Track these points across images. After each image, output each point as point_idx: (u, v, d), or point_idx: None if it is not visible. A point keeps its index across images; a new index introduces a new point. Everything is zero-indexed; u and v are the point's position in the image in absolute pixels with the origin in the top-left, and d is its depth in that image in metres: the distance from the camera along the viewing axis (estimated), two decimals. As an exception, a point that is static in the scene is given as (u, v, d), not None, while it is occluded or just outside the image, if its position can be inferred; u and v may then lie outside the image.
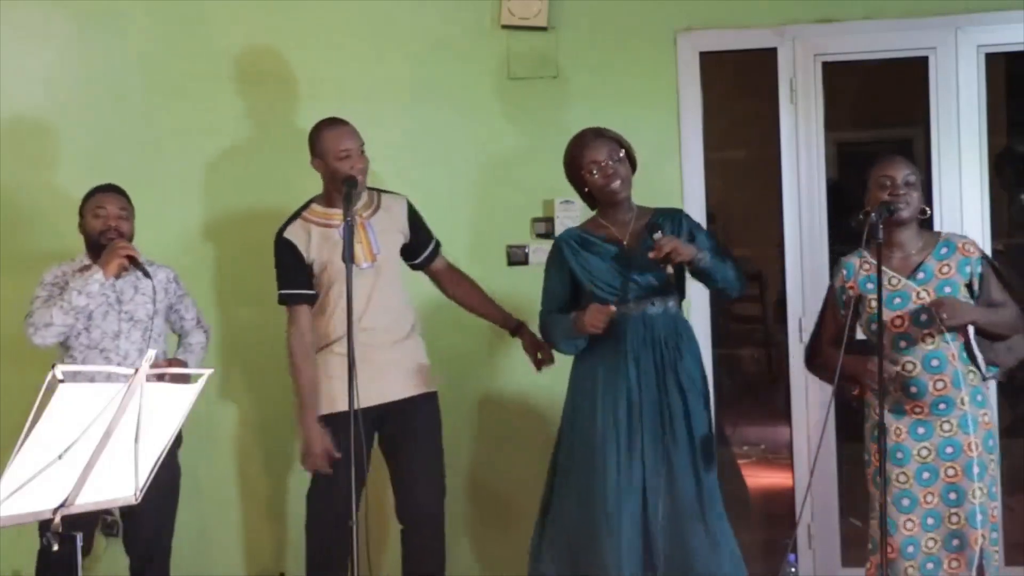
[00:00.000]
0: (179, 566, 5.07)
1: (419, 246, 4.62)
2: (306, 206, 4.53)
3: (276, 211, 5.16)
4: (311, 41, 5.24)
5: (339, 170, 4.36)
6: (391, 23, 5.21)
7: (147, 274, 4.43)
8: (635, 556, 4.12)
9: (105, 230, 4.45)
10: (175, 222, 5.27)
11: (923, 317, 3.92)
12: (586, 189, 4.30)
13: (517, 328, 4.65)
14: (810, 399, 5.05)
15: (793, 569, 4.47)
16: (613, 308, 4.13)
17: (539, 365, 4.59)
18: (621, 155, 4.24)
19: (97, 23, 5.33)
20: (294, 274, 4.47)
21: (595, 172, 4.22)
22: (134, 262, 4.38)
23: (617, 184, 4.22)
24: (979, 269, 3.97)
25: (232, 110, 5.26)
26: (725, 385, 5.71)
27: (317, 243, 4.45)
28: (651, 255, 4.06)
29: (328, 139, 4.41)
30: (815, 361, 4.24)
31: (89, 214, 4.50)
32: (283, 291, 4.50)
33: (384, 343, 4.42)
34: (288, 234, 4.48)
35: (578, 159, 4.26)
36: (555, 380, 4.54)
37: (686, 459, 4.14)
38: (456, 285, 4.73)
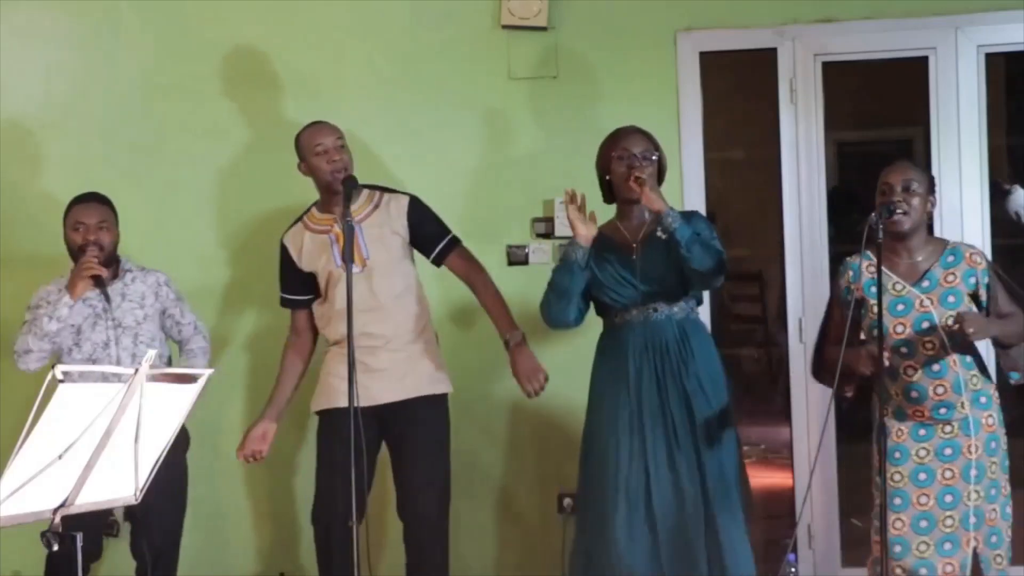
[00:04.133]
0: (180, 566, 5.07)
1: (427, 243, 4.56)
2: (308, 210, 4.57)
3: (277, 212, 5.17)
4: (311, 41, 5.24)
5: (318, 167, 4.43)
6: (391, 23, 5.21)
7: (107, 297, 4.40)
8: (638, 559, 4.12)
9: (85, 244, 4.40)
10: (175, 223, 5.28)
11: (924, 324, 3.91)
12: (608, 178, 4.30)
13: (511, 343, 4.44)
14: (810, 399, 5.05)
15: (793, 569, 4.48)
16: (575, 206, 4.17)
17: (528, 392, 4.41)
18: (653, 158, 4.25)
19: (97, 23, 5.33)
20: (288, 279, 4.58)
21: (624, 160, 4.23)
22: (99, 282, 4.35)
23: (644, 174, 4.17)
24: (986, 279, 3.94)
25: (231, 111, 5.26)
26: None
27: (309, 250, 4.50)
28: (631, 179, 4.13)
29: (304, 138, 4.48)
30: (822, 366, 4.16)
31: (69, 228, 4.45)
32: (281, 294, 4.63)
33: (381, 346, 4.40)
34: (286, 239, 4.56)
35: (613, 145, 4.28)
36: (577, 384, 4.52)
37: (692, 464, 4.12)
38: (473, 279, 4.59)
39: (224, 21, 5.27)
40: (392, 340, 4.43)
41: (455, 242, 4.59)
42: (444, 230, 4.58)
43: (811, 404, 5.05)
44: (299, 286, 4.55)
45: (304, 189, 4.67)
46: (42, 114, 5.33)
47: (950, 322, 3.88)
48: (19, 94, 5.30)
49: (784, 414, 5.29)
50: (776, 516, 5.67)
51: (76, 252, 4.42)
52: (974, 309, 3.93)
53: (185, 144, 5.28)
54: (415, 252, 4.59)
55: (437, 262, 4.61)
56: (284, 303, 4.61)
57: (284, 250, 4.55)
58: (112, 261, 4.50)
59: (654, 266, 4.19)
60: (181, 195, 5.29)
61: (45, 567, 4.47)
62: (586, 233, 4.19)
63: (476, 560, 5.14)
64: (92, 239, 4.40)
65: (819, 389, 4.97)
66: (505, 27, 5.09)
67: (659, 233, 4.16)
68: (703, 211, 5.06)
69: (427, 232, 4.55)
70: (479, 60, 5.16)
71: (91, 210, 4.45)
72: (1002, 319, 3.94)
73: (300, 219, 4.56)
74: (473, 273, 4.61)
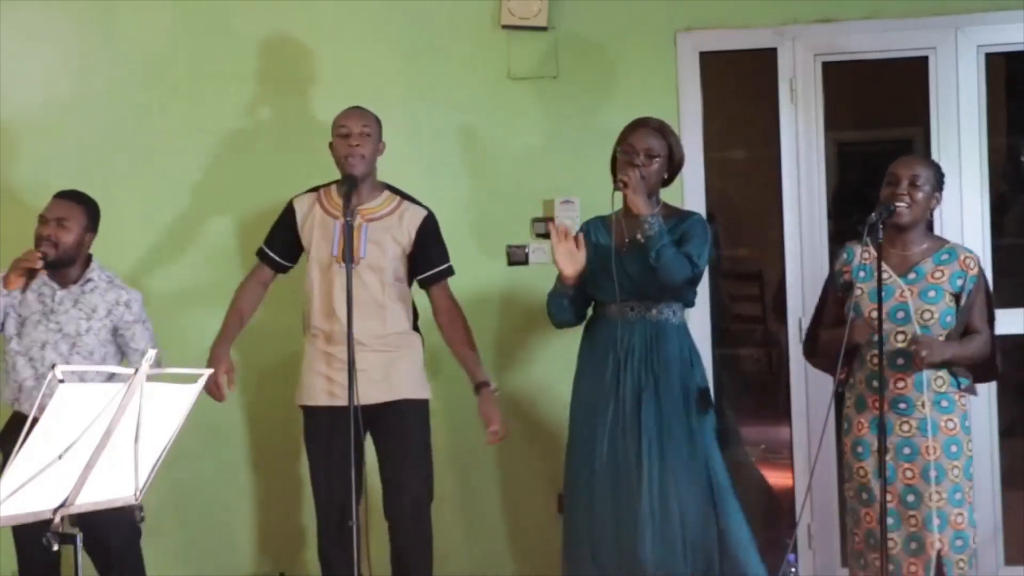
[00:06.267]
0: (179, 565, 5.08)
1: (424, 262, 4.49)
2: (328, 185, 4.54)
3: (275, 210, 5.17)
4: (310, 41, 5.24)
5: (337, 148, 4.42)
6: (391, 23, 5.21)
7: (23, 289, 4.36)
8: (608, 554, 4.16)
9: (40, 238, 4.40)
10: (175, 223, 5.27)
11: (899, 315, 3.95)
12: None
13: (479, 387, 4.46)
14: (810, 399, 5.05)
15: (793, 569, 4.47)
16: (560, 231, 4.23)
17: (490, 437, 4.43)
18: (657, 157, 4.24)
19: (97, 23, 5.33)
20: (279, 238, 4.57)
21: (627, 156, 4.23)
22: (31, 275, 4.31)
23: (630, 176, 4.18)
24: (971, 286, 3.97)
25: (231, 110, 5.26)
26: (725, 385, 5.71)
27: (314, 226, 4.48)
28: (620, 177, 4.16)
29: (336, 118, 4.48)
30: (813, 349, 4.22)
31: (39, 221, 4.47)
32: (263, 246, 4.60)
33: (362, 345, 4.30)
34: (296, 202, 4.56)
35: (622, 138, 4.29)
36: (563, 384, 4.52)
37: (656, 467, 4.13)
38: (448, 319, 4.53)
39: (223, 22, 5.27)
40: (374, 341, 4.37)
41: (448, 273, 4.54)
42: (445, 257, 4.53)
43: (811, 404, 5.04)
44: (285, 250, 4.57)
45: (303, 187, 4.67)
46: (42, 114, 5.33)
47: (925, 316, 3.92)
48: (19, 94, 5.30)
49: (784, 414, 5.29)
50: (776, 516, 5.67)
51: (36, 244, 4.43)
52: (953, 309, 3.94)
53: (185, 143, 5.28)
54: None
55: (425, 284, 4.53)
56: (262, 256, 4.59)
57: (291, 211, 4.55)
58: (70, 262, 4.45)
59: (634, 267, 4.21)
60: (181, 195, 5.28)
61: (17, 564, 4.47)
62: (572, 273, 4.25)
63: (476, 560, 5.14)
64: (47, 234, 4.40)
65: (819, 389, 4.98)
66: (505, 27, 5.09)
67: (639, 236, 4.17)
68: (703, 211, 5.07)
69: (429, 252, 4.48)
70: (479, 60, 5.16)
71: (55, 206, 4.47)
72: (965, 336, 3.96)
73: (317, 190, 4.55)
74: (455, 310, 4.53)
